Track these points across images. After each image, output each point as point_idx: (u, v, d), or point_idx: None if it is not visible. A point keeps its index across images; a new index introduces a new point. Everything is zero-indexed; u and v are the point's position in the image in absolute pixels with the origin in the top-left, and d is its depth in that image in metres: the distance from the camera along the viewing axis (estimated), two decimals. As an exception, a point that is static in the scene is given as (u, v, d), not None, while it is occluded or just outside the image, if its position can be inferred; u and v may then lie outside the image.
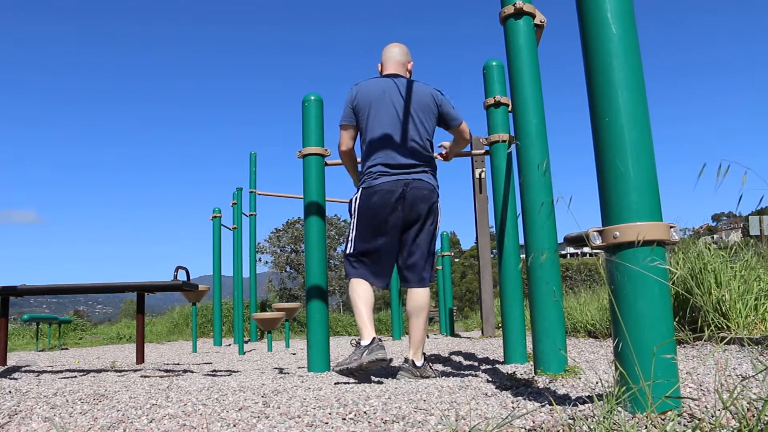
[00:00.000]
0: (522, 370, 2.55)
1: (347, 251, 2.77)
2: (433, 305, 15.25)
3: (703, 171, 1.11)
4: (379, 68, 2.93)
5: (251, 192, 7.26)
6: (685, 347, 3.23)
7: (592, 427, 1.11)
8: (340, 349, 5.95)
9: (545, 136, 2.18)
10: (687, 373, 2.02)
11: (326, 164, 3.30)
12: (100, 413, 1.64)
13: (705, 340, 3.26)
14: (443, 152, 3.12)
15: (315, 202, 3.20)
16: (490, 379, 2.24)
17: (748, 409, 1.12)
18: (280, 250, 32.86)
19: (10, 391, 2.19)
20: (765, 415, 1.02)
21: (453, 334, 9.40)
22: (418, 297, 2.71)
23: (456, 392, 1.85)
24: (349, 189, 3.10)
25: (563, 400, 1.57)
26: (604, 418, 1.12)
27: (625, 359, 1.22)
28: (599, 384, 1.84)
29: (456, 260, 50.02)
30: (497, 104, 3.19)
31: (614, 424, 1.11)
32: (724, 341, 3.01)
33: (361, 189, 2.74)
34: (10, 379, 2.97)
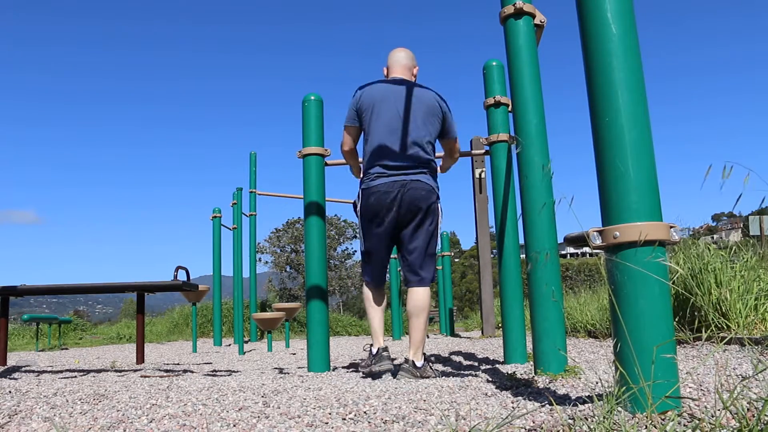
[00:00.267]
0: (522, 370, 2.55)
1: (361, 250, 2.92)
2: (433, 305, 15.25)
3: (709, 171, 1.11)
4: (385, 72, 2.97)
5: (251, 192, 7.26)
6: (685, 347, 3.23)
7: (592, 427, 1.11)
8: (340, 349, 5.95)
9: (545, 136, 2.18)
10: (687, 373, 2.02)
11: (326, 164, 3.30)
12: (100, 413, 1.64)
13: (705, 340, 3.26)
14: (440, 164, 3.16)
15: (315, 202, 3.20)
16: (490, 379, 2.24)
17: (748, 409, 1.12)
18: (280, 250, 32.86)
19: (10, 391, 2.19)
20: (765, 415, 1.02)
21: (453, 334, 9.40)
22: (418, 297, 2.74)
23: (456, 392, 1.85)
24: (349, 189, 3.11)
25: (563, 400, 1.57)
26: (604, 418, 1.12)
27: (625, 359, 1.22)
28: (599, 384, 1.84)
29: (456, 260, 50.02)
30: (497, 104, 3.19)
31: (614, 424, 1.11)
32: (724, 341, 3.02)
33: (361, 190, 2.81)
34: (10, 379, 2.97)
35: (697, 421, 1.07)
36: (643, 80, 1.32)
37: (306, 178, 3.22)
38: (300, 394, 1.92)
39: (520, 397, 1.66)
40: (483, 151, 3.41)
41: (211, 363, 4.56)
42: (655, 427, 1.10)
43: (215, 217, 8.10)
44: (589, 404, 1.36)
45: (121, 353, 6.43)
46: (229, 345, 8.16)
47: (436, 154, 3.00)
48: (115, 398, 1.92)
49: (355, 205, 2.88)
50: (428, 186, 2.73)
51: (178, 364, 4.45)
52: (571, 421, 1.19)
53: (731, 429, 1.03)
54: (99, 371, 3.62)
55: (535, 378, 2.09)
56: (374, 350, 2.67)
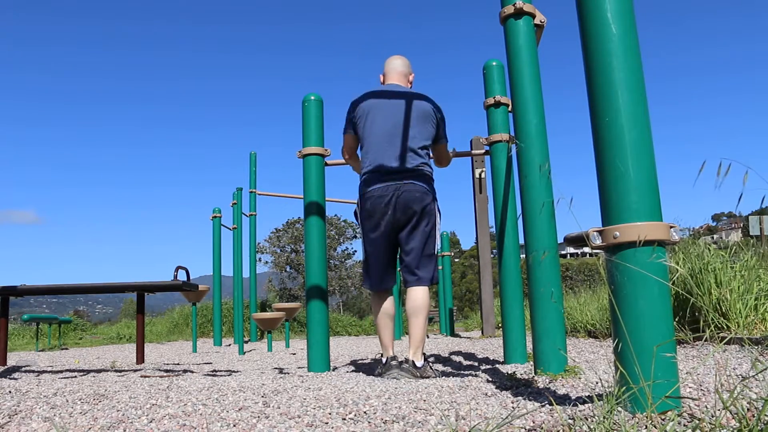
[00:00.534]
0: (522, 370, 2.55)
1: (363, 257, 2.97)
2: (433, 305, 15.24)
3: (702, 168, 1.11)
4: (381, 79, 3.05)
5: (251, 192, 7.26)
6: (685, 347, 3.23)
7: (592, 427, 1.11)
8: (340, 349, 5.95)
9: (545, 136, 2.18)
10: (687, 373, 2.02)
11: (326, 164, 3.30)
12: (100, 413, 1.64)
13: (705, 340, 3.26)
14: None
15: (315, 202, 3.20)
16: (490, 379, 2.24)
17: (748, 409, 1.12)
18: (280, 250, 32.85)
19: (10, 391, 2.19)
20: (765, 415, 1.02)
21: (453, 334, 9.40)
22: (416, 296, 2.78)
23: (456, 392, 1.85)
24: (349, 189, 3.11)
25: (563, 400, 1.57)
26: (604, 418, 1.12)
27: (625, 359, 1.22)
28: (599, 384, 1.84)
29: (456, 260, 50.03)
30: (497, 104, 3.19)
31: (614, 424, 1.11)
32: (724, 341, 3.01)
33: (359, 196, 2.89)
34: (10, 379, 2.97)
35: (697, 421, 1.07)
36: (643, 80, 1.32)
37: (306, 178, 3.22)
38: (300, 394, 1.92)
39: (520, 397, 1.66)
40: (483, 151, 3.41)
41: (211, 363, 4.56)
42: (655, 427, 1.10)
43: (215, 217, 8.10)
44: (589, 404, 1.36)
45: (121, 353, 6.43)
46: (229, 345, 8.16)
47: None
48: (115, 398, 1.92)
49: (356, 212, 2.97)
50: (422, 188, 2.78)
51: (178, 364, 4.45)
52: (571, 421, 1.19)
53: (731, 429, 1.03)
54: (99, 371, 3.62)
55: (535, 378, 2.09)
56: (383, 359, 2.73)
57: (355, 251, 33.58)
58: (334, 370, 3.30)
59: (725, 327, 3.36)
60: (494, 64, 3.26)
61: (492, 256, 7.47)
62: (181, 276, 4.33)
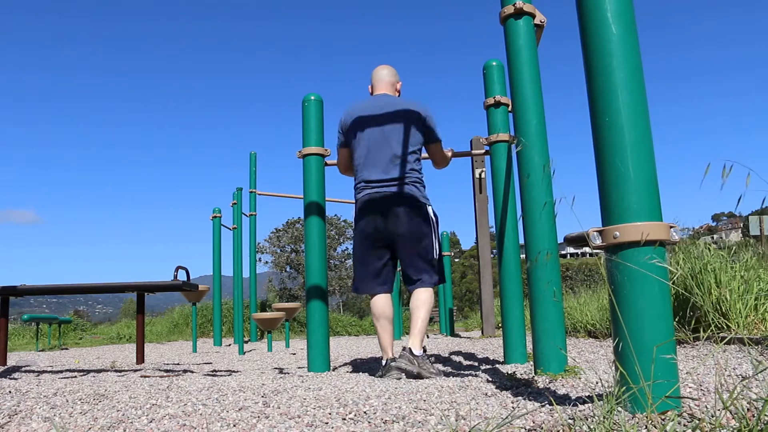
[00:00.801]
0: (522, 370, 2.55)
1: (354, 262, 3.02)
2: (433, 305, 15.22)
3: (708, 170, 1.11)
4: (370, 90, 3.11)
5: (251, 192, 7.26)
6: (685, 347, 3.23)
7: (592, 427, 1.11)
8: (340, 349, 5.95)
9: (545, 136, 2.18)
10: (687, 373, 2.02)
11: (326, 164, 3.30)
12: (100, 413, 1.64)
13: (705, 340, 3.26)
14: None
15: (315, 202, 3.20)
16: (490, 379, 2.24)
17: (748, 409, 1.12)
18: (280, 250, 32.86)
19: (10, 391, 2.19)
20: (765, 415, 1.02)
21: (453, 334, 9.40)
22: (417, 296, 2.85)
23: (456, 392, 1.85)
24: (349, 189, 3.11)
25: (563, 400, 1.57)
26: (604, 418, 1.12)
27: (625, 359, 1.22)
28: (599, 384, 1.85)
29: (456, 260, 50.01)
30: (497, 104, 3.19)
31: (614, 424, 1.11)
32: (724, 341, 3.01)
33: (354, 204, 2.98)
34: (10, 379, 2.97)
35: (697, 421, 1.07)
36: (643, 80, 1.32)
37: (306, 178, 3.22)
38: (300, 394, 1.92)
39: (520, 397, 1.66)
40: (483, 151, 3.41)
41: (211, 363, 4.56)
42: (655, 427, 1.10)
43: (215, 217, 8.10)
44: (589, 404, 1.36)
45: (121, 353, 6.43)
46: (229, 345, 8.16)
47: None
48: (115, 398, 1.92)
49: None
50: (410, 196, 2.83)
51: (178, 364, 4.45)
52: (571, 421, 1.19)
53: (731, 429, 1.03)
54: (99, 371, 3.62)
55: (535, 378, 2.09)
56: (383, 362, 2.76)
57: (356, 251, 33.54)
58: (334, 370, 3.30)
59: (725, 327, 3.37)
60: (494, 64, 3.26)
61: (492, 256, 7.47)
62: (181, 276, 4.33)
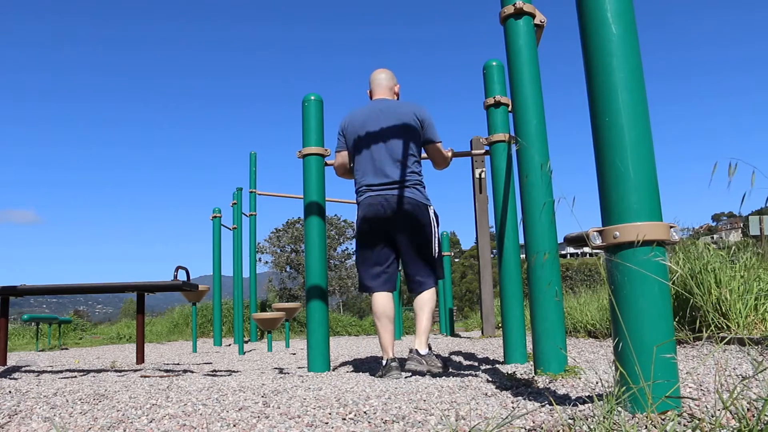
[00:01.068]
0: (522, 370, 2.55)
1: (356, 263, 3.06)
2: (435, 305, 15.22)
3: (715, 169, 1.11)
4: (369, 94, 3.14)
5: (251, 192, 7.26)
6: (685, 347, 3.23)
7: (592, 427, 1.11)
8: (340, 349, 5.95)
9: (545, 136, 2.18)
10: (687, 373, 2.02)
11: (326, 164, 3.30)
12: (100, 413, 1.64)
13: (705, 340, 3.26)
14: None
15: (315, 202, 3.20)
16: (490, 379, 2.24)
17: (748, 409, 1.12)
18: (280, 250, 32.85)
19: (10, 391, 2.19)
20: (765, 415, 1.02)
21: (453, 334, 9.40)
22: (420, 297, 2.90)
23: (456, 392, 1.85)
24: (349, 189, 3.13)
25: (563, 400, 1.57)
26: (604, 418, 1.12)
27: (625, 359, 1.22)
28: (599, 384, 1.85)
29: (456, 260, 50.01)
30: (497, 104, 3.19)
31: (614, 424, 1.11)
32: (724, 341, 3.01)
33: (357, 206, 3.02)
34: (10, 379, 2.97)
35: (697, 421, 1.07)
36: (643, 80, 1.32)
37: (306, 178, 3.22)
38: (300, 394, 1.92)
39: (520, 397, 1.66)
40: (483, 151, 3.41)
41: (211, 363, 4.56)
42: (655, 427, 1.10)
43: (215, 217, 8.10)
44: (589, 404, 1.36)
45: (121, 353, 6.43)
46: (229, 345, 8.16)
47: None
48: (115, 398, 1.92)
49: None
50: (413, 200, 2.87)
51: (178, 364, 4.45)
52: (571, 421, 1.19)
53: (731, 429, 1.03)
54: (99, 371, 3.62)
55: (535, 378, 2.09)
56: (383, 361, 2.78)
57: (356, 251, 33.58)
58: (334, 370, 3.30)
59: (725, 327, 3.37)
60: (494, 64, 3.26)
61: (492, 256, 7.47)
62: (181, 276, 4.33)
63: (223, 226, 8.12)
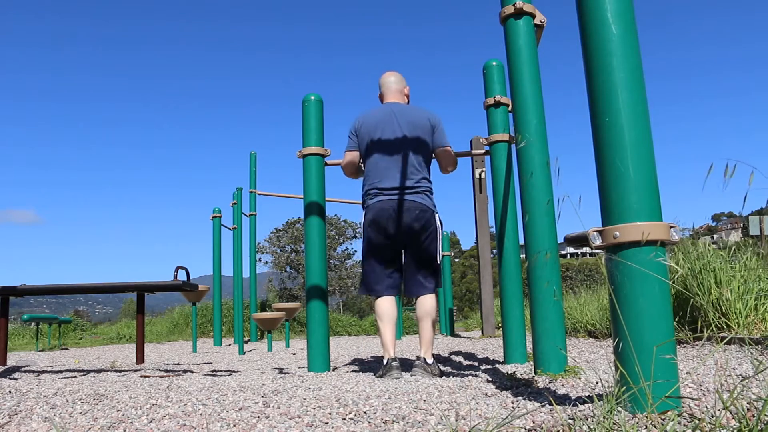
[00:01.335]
0: (522, 370, 2.55)
1: (362, 264, 3.06)
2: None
3: (711, 170, 1.11)
4: (380, 98, 3.15)
5: (251, 192, 7.26)
6: (685, 347, 3.23)
7: (592, 427, 1.11)
8: (340, 349, 5.95)
9: (545, 136, 2.18)
10: (687, 373, 2.02)
11: (326, 164, 3.30)
12: (100, 413, 1.64)
13: (705, 340, 3.26)
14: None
15: (315, 202, 3.20)
16: (490, 379, 2.24)
17: (748, 409, 1.12)
18: (280, 250, 32.85)
19: (10, 391, 2.19)
20: (765, 415, 1.02)
21: (453, 334, 9.40)
22: (423, 303, 2.91)
23: (456, 392, 1.85)
24: (349, 189, 3.13)
25: (563, 400, 1.57)
26: (604, 418, 1.12)
27: (625, 359, 1.22)
28: (599, 384, 1.84)
29: (456, 260, 50.02)
30: (497, 104, 3.19)
31: (614, 424, 1.11)
32: (724, 341, 3.01)
33: (364, 209, 3.01)
34: (10, 379, 2.97)
35: (697, 421, 1.07)
36: (643, 80, 1.32)
37: (306, 178, 3.22)
38: (300, 394, 1.92)
39: (520, 397, 1.66)
40: (483, 151, 3.41)
41: (211, 363, 4.55)
42: (655, 427, 1.10)
43: (215, 217, 8.10)
44: (589, 404, 1.36)
45: (121, 353, 6.43)
46: (229, 345, 8.15)
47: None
48: (115, 398, 1.92)
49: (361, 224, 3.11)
50: (422, 205, 2.89)
51: (178, 364, 4.45)
52: (571, 421, 1.19)
53: (731, 429, 1.03)
54: (99, 371, 3.62)
55: (535, 378, 2.09)
56: (384, 361, 2.80)
57: (355, 251, 33.58)
58: (334, 370, 3.30)
59: (725, 327, 3.37)
60: (494, 64, 3.26)
61: (492, 256, 7.47)
62: (181, 276, 4.33)
63: (223, 226, 8.12)
